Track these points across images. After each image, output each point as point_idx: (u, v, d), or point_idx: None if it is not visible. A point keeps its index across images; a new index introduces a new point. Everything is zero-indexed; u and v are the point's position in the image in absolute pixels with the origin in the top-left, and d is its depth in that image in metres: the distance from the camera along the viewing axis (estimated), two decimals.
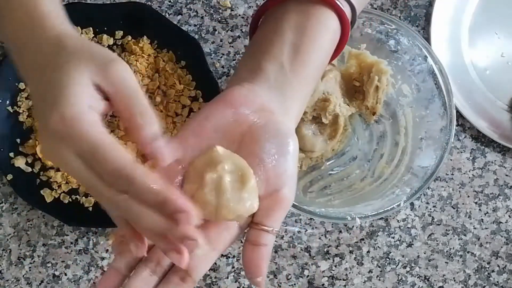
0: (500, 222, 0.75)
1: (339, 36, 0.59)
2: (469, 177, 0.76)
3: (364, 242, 0.74)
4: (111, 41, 0.77)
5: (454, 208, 0.76)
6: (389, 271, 0.74)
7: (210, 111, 0.53)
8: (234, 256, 0.74)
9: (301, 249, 0.74)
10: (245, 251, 0.51)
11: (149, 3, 0.79)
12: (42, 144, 0.48)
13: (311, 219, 0.74)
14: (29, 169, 0.73)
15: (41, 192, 0.73)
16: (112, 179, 0.45)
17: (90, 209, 0.73)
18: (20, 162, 0.73)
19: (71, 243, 0.74)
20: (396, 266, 0.74)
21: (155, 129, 0.48)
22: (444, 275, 0.74)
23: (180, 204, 0.45)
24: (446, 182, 0.76)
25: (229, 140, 0.52)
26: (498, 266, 0.74)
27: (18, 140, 0.74)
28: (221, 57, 0.78)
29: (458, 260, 0.74)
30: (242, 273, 0.73)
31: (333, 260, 0.74)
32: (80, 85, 0.47)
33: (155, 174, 0.46)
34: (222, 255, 0.73)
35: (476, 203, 0.76)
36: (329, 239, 0.74)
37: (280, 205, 0.51)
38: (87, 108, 0.46)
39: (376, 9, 0.79)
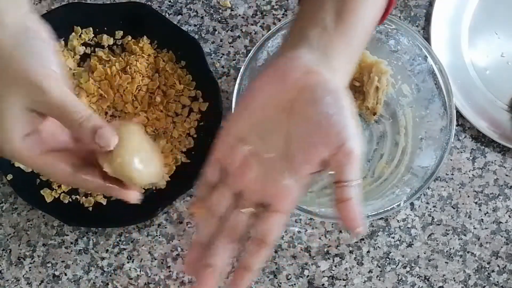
0: (500, 222, 0.75)
1: None
2: (469, 177, 0.76)
3: (364, 242, 0.74)
4: (111, 41, 0.77)
5: (454, 208, 0.76)
6: (389, 271, 0.74)
7: (255, 88, 0.55)
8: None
9: (301, 249, 0.74)
10: (338, 211, 0.53)
11: (149, 3, 0.79)
12: None
13: (311, 219, 0.74)
14: (29, 169, 0.73)
15: (41, 192, 0.73)
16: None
17: (90, 209, 0.73)
18: None
19: (71, 243, 0.74)
20: (396, 266, 0.74)
21: (94, 122, 0.53)
22: (444, 275, 0.74)
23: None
24: (446, 182, 0.76)
25: (279, 110, 0.53)
26: (498, 266, 0.74)
27: None
28: (221, 57, 0.78)
29: (458, 260, 0.74)
30: None
31: (333, 260, 0.74)
32: (13, 117, 0.52)
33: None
34: None
35: (476, 203, 0.76)
36: (329, 239, 0.74)
37: (348, 158, 0.52)
38: (23, 140, 0.53)
39: None
